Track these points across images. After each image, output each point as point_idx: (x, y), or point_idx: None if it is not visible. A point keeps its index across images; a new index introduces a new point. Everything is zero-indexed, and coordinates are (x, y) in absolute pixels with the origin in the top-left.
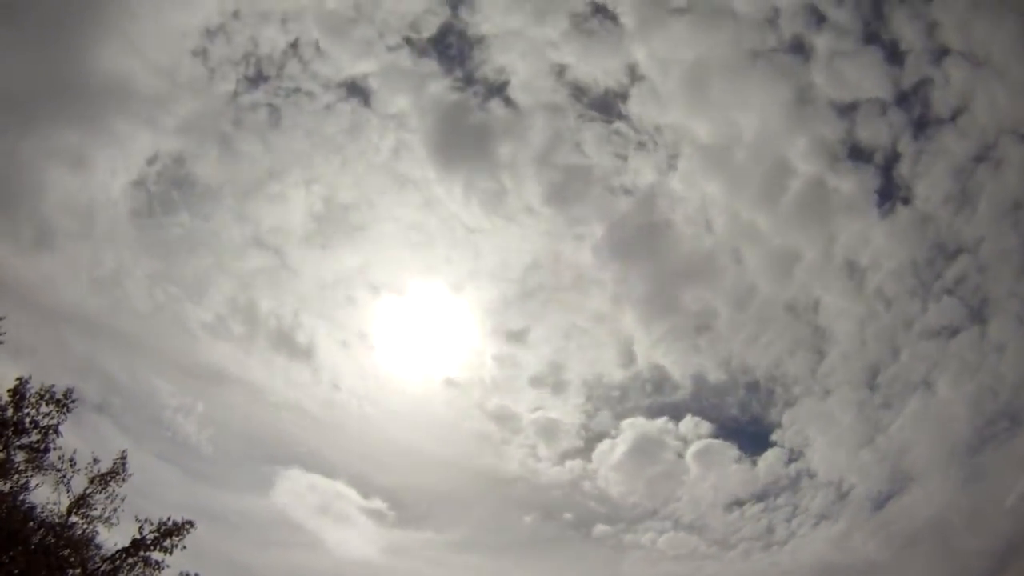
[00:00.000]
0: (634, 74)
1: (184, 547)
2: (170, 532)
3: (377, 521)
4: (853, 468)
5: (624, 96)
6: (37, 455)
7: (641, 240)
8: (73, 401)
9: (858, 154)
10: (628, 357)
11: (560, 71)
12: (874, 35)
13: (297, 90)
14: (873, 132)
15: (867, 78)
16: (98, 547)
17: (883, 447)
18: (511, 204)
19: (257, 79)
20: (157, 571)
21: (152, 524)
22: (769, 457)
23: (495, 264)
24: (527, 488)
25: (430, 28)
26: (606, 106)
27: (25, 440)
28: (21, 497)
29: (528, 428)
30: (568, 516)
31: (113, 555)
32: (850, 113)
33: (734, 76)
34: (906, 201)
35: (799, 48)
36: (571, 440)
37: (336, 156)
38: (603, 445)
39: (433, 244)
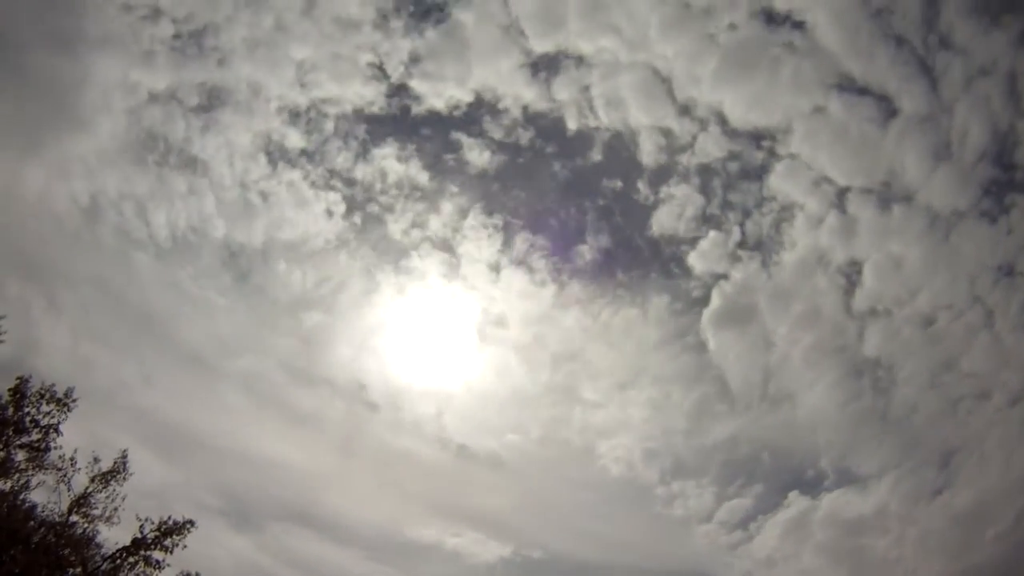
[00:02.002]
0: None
1: (185, 546)
2: (171, 531)
3: None
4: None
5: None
6: (38, 454)
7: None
8: (74, 400)
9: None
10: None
11: None
12: None
13: None
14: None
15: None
16: (99, 546)
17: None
18: None
19: None
20: (158, 570)
21: (153, 523)
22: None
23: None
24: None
25: None
26: None
27: (26, 439)
28: (22, 496)
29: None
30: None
31: (114, 554)
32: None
33: None
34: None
35: None
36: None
37: None
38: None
39: None
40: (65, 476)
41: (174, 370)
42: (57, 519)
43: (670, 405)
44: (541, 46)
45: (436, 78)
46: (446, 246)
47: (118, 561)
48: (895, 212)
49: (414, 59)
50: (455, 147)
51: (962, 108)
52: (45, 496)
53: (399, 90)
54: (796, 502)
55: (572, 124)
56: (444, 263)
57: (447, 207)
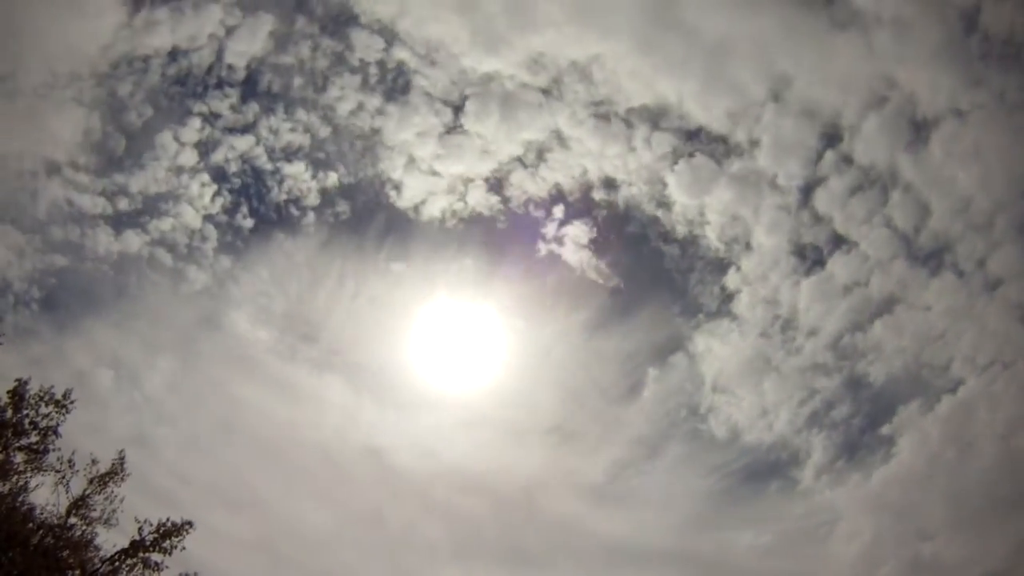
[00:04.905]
0: None
1: (183, 548)
2: (169, 533)
3: None
4: None
5: None
6: (37, 456)
7: None
8: (72, 401)
9: None
10: None
11: None
12: None
13: None
14: None
15: None
16: (97, 548)
17: None
18: None
19: None
20: (156, 572)
21: (151, 525)
22: None
23: None
24: None
25: None
26: None
27: (24, 441)
28: (20, 498)
29: None
30: None
31: (112, 556)
32: None
33: None
34: None
35: None
36: None
37: None
38: None
39: None
40: (64, 478)
41: None
42: (56, 521)
43: None
44: None
45: None
46: None
47: (117, 564)
48: None
49: None
50: None
51: None
52: (44, 498)
53: None
54: None
55: None
56: None
57: None
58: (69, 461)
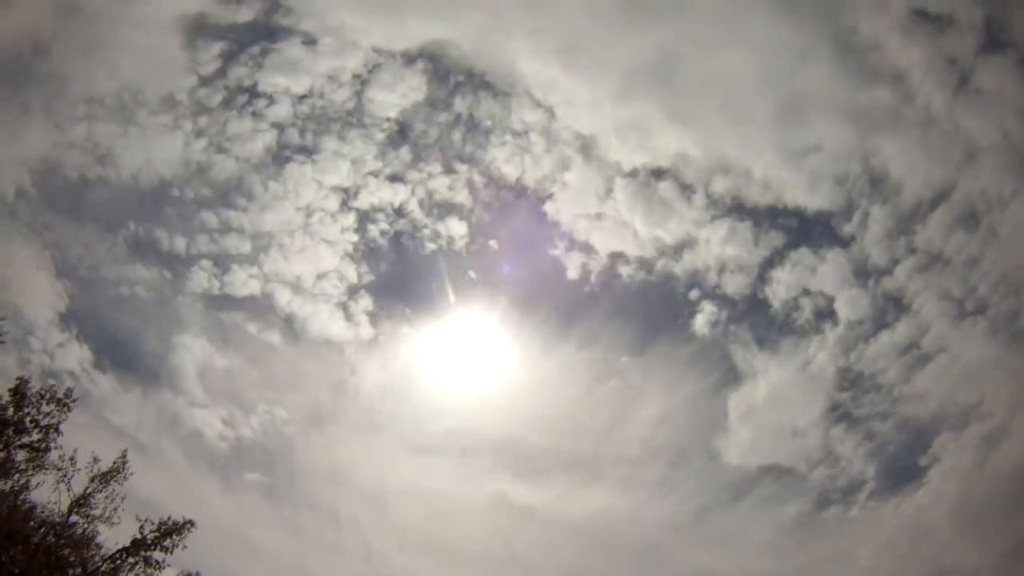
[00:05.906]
0: None
1: (185, 547)
2: (171, 532)
3: None
4: None
5: None
6: (38, 454)
7: None
8: (74, 400)
9: None
10: None
11: None
12: None
13: None
14: None
15: None
16: (99, 546)
17: None
18: None
19: None
20: (158, 570)
21: (153, 523)
22: None
23: None
24: None
25: None
26: None
27: (26, 439)
28: (22, 496)
29: None
30: None
31: (114, 554)
32: None
33: None
34: None
35: None
36: None
37: None
38: None
39: None
40: (65, 476)
41: None
42: (57, 519)
43: None
44: None
45: None
46: None
47: (118, 562)
48: None
49: None
50: None
51: None
52: (45, 496)
53: None
54: None
55: None
56: None
57: None
58: (71, 459)
